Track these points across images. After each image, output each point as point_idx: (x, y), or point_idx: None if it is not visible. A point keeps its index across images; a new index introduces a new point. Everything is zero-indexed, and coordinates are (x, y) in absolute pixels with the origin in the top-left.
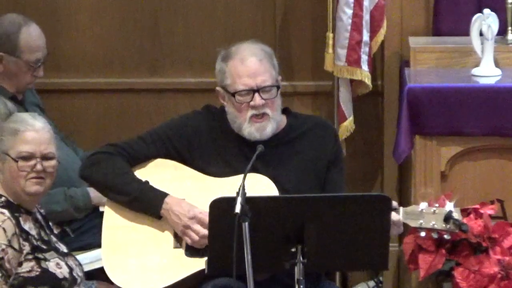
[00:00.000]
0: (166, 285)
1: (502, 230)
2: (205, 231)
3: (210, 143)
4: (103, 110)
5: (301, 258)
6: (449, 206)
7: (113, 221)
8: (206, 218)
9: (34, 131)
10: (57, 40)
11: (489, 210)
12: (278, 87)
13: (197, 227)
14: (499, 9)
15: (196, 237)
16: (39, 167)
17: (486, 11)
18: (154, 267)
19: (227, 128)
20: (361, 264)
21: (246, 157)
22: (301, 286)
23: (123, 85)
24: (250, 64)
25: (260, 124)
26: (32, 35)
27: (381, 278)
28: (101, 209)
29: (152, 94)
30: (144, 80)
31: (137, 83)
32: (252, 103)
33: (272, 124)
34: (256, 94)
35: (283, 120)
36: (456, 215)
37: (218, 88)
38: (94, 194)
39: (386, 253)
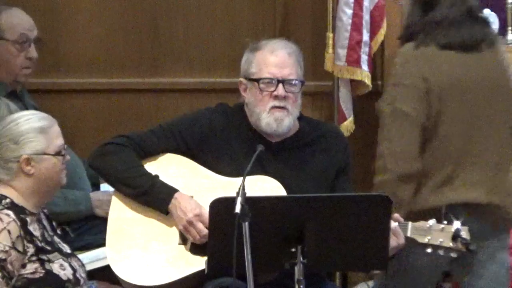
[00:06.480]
0: (168, 282)
1: None
2: (207, 231)
3: (222, 141)
4: (103, 110)
5: (301, 258)
6: (457, 224)
7: (120, 213)
8: None
9: (56, 125)
10: (57, 40)
11: None
12: (302, 82)
13: (200, 225)
14: (499, 9)
15: (197, 235)
16: (68, 157)
17: (486, 11)
18: (157, 262)
19: (240, 127)
20: (361, 264)
21: (259, 158)
22: (301, 286)
23: (123, 85)
24: (279, 55)
25: (279, 114)
26: (12, 14)
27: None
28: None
29: (152, 94)
30: (144, 80)
31: (137, 83)
32: (275, 93)
33: (290, 119)
34: (280, 85)
35: (295, 124)
36: (464, 234)
37: (240, 79)
38: (94, 197)
39: (386, 254)
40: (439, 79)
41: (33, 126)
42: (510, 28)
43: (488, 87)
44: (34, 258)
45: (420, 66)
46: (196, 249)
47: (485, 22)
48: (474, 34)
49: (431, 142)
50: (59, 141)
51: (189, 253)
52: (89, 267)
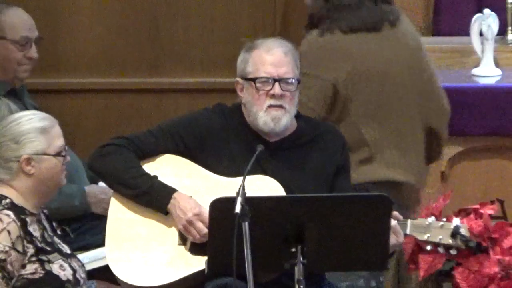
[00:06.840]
0: (167, 282)
1: (502, 230)
2: (206, 230)
3: (221, 142)
4: (103, 110)
5: (301, 258)
6: (456, 221)
7: (119, 214)
8: None
9: (57, 125)
10: (57, 40)
11: (489, 210)
12: (299, 81)
13: (200, 225)
14: (499, 9)
15: (197, 235)
16: (68, 158)
17: (486, 11)
18: (156, 263)
19: (238, 127)
20: (361, 264)
21: (257, 158)
22: (301, 286)
23: (123, 85)
24: (275, 54)
25: (276, 113)
26: (13, 15)
27: (381, 278)
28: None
29: (152, 94)
30: (144, 80)
31: (137, 83)
32: (271, 92)
33: (287, 117)
34: (277, 84)
35: (293, 123)
36: (464, 231)
37: (237, 79)
38: (90, 191)
39: (386, 253)
40: (344, 66)
41: (34, 126)
42: (510, 28)
43: (394, 66)
44: (34, 258)
45: (324, 55)
46: (196, 249)
47: (387, 2)
48: (374, 14)
49: (342, 128)
50: (60, 141)
51: (188, 253)
52: (89, 267)
